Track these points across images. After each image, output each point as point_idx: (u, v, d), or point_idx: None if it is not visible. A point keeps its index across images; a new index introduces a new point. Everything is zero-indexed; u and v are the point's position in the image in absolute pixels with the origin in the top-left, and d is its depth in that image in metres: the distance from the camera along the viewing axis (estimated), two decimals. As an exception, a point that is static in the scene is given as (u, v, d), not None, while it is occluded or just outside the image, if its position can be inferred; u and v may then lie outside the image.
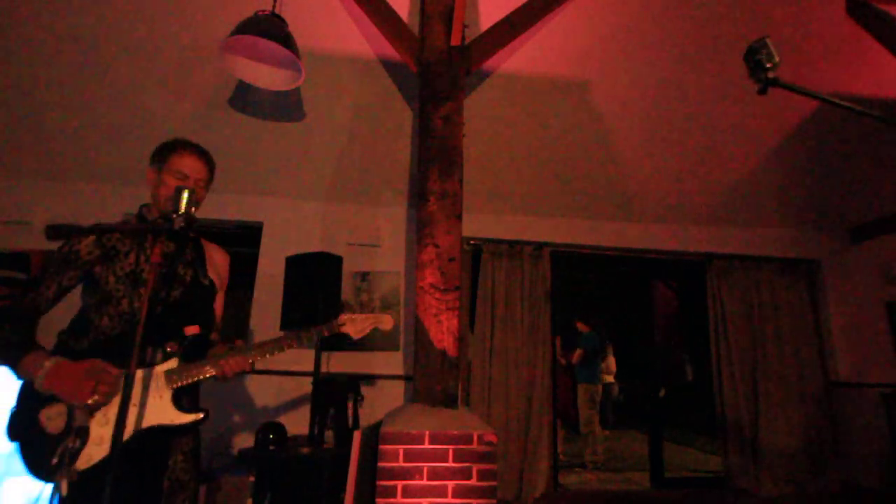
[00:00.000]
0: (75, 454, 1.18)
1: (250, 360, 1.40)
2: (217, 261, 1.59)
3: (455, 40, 2.63)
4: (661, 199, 3.98)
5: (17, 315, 1.30)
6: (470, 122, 3.22)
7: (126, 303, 1.32)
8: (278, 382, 3.36)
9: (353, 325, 1.54)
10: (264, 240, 3.75)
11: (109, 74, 3.09)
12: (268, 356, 1.44)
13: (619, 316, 6.29)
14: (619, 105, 3.43)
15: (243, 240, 3.86)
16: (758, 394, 3.83)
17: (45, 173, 3.55)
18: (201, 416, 1.34)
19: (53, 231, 0.98)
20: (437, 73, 2.60)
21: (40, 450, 1.20)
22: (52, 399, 1.23)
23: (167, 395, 1.30)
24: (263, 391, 3.36)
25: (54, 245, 1.34)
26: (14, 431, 1.23)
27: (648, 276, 4.43)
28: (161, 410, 1.28)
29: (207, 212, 3.53)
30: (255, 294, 3.59)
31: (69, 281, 1.36)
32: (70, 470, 1.14)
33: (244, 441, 3.05)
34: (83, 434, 1.20)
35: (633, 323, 5.26)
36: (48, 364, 1.21)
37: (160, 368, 1.31)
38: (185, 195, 1.26)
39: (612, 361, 6.71)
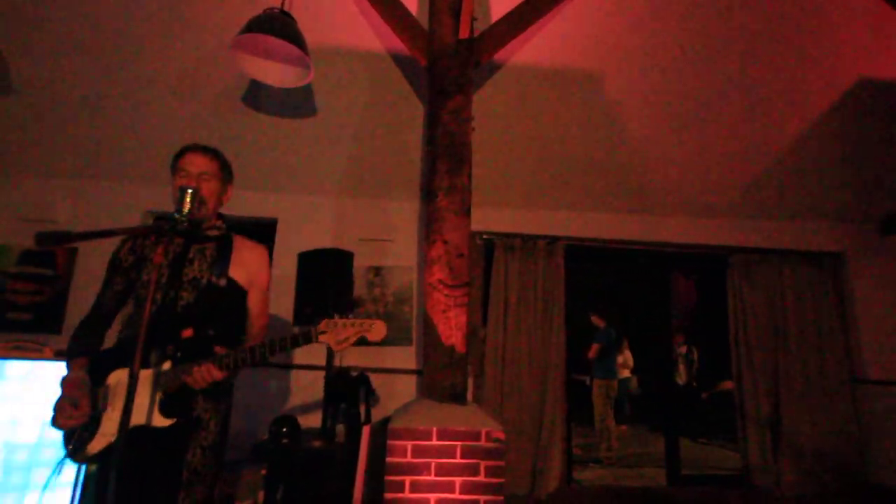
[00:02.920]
0: (85, 442, 1.31)
1: (221, 370, 1.35)
2: (247, 259, 1.56)
3: (463, 33, 2.60)
4: (679, 191, 3.89)
5: (88, 323, 1.48)
6: (481, 115, 3.18)
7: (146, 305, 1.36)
8: (293, 376, 3.42)
9: (334, 333, 1.38)
10: (279, 236, 3.79)
11: (127, 78, 3.16)
12: (242, 366, 1.38)
13: (636, 310, 6.19)
14: (634, 95, 3.35)
15: (259, 236, 3.91)
16: (779, 391, 3.72)
17: (68, 174, 3.66)
18: (174, 421, 1.33)
19: (42, 238, 1.00)
20: (445, 66, 2.57)
21: (68, 435, 1.36)
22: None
23: (156, 397, 1.33)
24: (278, 385, 3.42)
25: (79, 244, 1.42)
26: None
27: (666, 271, 4.34)
28: (146, 412, 1.31)
29: (223, 208, 3.61)
30: (271, 290, 3.64)
31: (119, 286, 1.48)
32: (81, 455, 1.29)
33: (260, 434, 3.11)
34: (93, 425, 1.33)
35: (651, 317, 5.17)
36: (68, 374, 1.38)
37: (154, 371, 1.35)
38: (188, 194, 1.27)
39: (628, 356, 6.64)
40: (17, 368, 2.34)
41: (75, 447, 1.32)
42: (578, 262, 4.01)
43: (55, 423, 1.31)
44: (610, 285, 6.33)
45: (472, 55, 2.64)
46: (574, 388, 5.29)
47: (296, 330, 1.43)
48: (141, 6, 2.87)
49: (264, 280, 1.60)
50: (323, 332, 1.39)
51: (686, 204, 3.96)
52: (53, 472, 1.26)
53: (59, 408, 1.31)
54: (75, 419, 1.30)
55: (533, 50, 3.11)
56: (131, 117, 3.36)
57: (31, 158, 3.59)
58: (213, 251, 1.50)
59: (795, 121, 3.46)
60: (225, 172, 1.56)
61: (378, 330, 1.42)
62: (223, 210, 1.64)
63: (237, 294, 1.52)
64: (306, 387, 3.38)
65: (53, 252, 3.54)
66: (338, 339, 1.38)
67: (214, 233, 1.53)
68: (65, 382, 1.35)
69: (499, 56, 3.02)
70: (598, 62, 3.18)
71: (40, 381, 2.33)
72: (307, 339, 1.39)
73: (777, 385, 3.74)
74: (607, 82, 3.28)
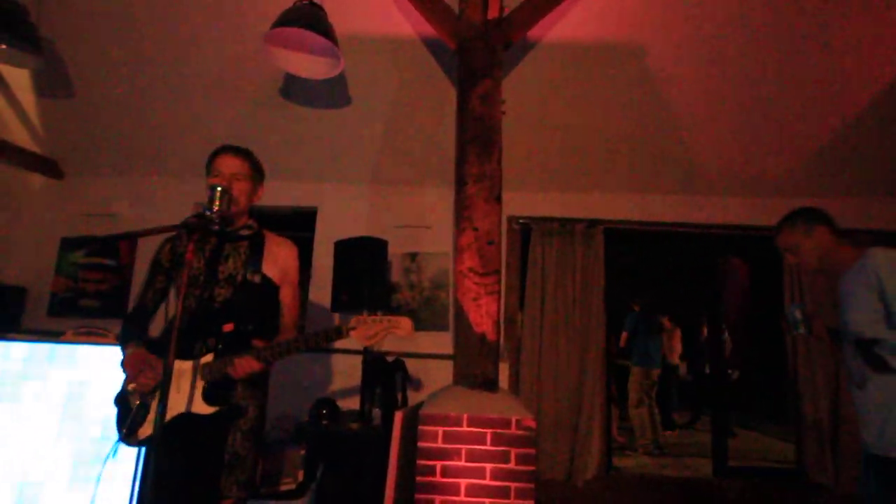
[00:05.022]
0: (137, 426, 1.44)
1: (260, 362, 1.46)
2: (278, 255, 1.64)
3: (492, 13, 2.52)
4: (728, 169, 3.64)
5: (133, 317, 1.62)
6: (515, 96, 3.10)
7: (186, 301, 1.46)
8: (333, 361, 3.55)
9: (365, 328, 1.46)
10: (319, 224, 3.90)
11: (174, 79, 3.32)
12: (278, 358, 1.48)
13: (684, 295, 5.92)
14: (679, 68, 3.14)
15: (301, 224, 4.04)
16: (840, 382, 3.47)
17: (126, 170, 3.92)
18: (217, 409, 1.44)
19: (69, 243, 1.08)
20: (473, 49, 2.52)
21: (122, 418, 1.50)
22: None
23: (201, 386, 1.44)
24: (319, 369, 3.56)
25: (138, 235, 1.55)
26: (117, 399, 1.55)
27: (714, 253, 4.11)
28: (192, 400, 1.42)
29: (265, 198, 3.75)
30: (312, 277, 3.78)
31: (160, 284, 1.60)
32: (133, 439, 1.43)
33: (301, 416, 3.26)
34: (144, 411, 1.46)
35: (699, 302, 4.94)
36: (128, 351, 1.51)
37: (198, 363, 1.46)
38: (218, 192, 1.33)
39: (677, 342, 6.39)
40: (87, 352, 2.56)
41: (128, 431, 1.44)
42: (620, 245, 3.87)
43: (135, 385, 1.46)
44: (655, 269, 6.09)
45: (501, 35, 2.57)
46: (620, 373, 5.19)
47: (329, 325, 1.54)
48: (181, 12, 2.98)
49: (294, 275, 1.68)
50: (353, 328, 1.47)
51: (736, 182, 3.71)
52: (108, 454, 1.36)
53: (134, 371, 1.45)
54: (154, 378, 1.44)
55: (567, 26, 2.98)
56: (179, 116, 3.53)
57: (93, 157, 3.86)
58: (246, 249, 1.58)
59: (860, 91, 3.13)
60: (256, 173, 1.64)
61: (405, 326, 1.47)
62: (260, 203, 1.73)
63: (271, 289, 1.61)
64: (346, 371, 3.49)
65: (117, 244, 3.82)
66: (367, 334, 1.46)
67: (247, 231, 1.61)
68: (130, 357, 1.50)
69: (532, 34, 2.92)
70: (638, 34, 3.00)
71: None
72: (339, 335, 1.48)
73: (838, 375, 3.48)
74: (649, 55, 3.10)
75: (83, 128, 3.66)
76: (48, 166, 3.87)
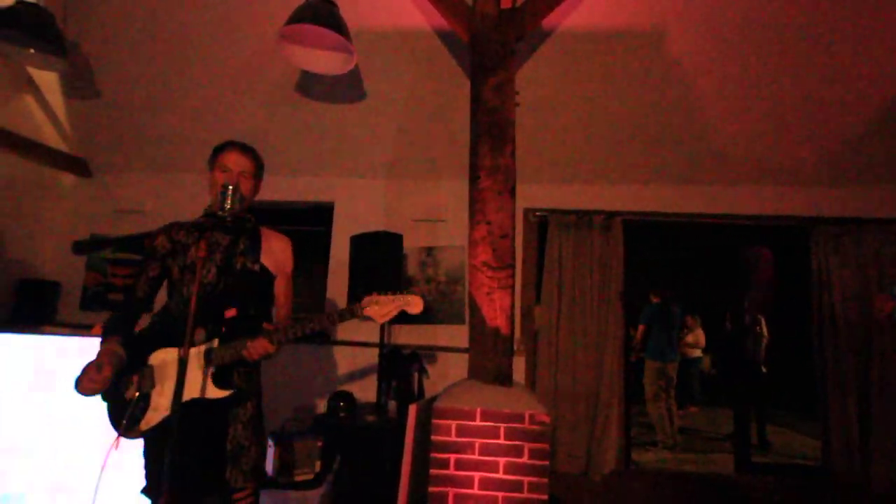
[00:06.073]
0: (138, 418, 1.44)
1: (273, 343, 1.46)
2: (274, 247, 1.67)
3: (505, 3, 2.49)
4: (753, 158, 3.53)
5: (124, 306, 1.60)
6: (531, 87, 3.06)
7: (185, 290, 1.51)
8: (351, 353, 3.60)
9: (379, 308, 1.50)
10: (335, 219, 3.94)
11: (193, 79, 3.39)
12: (291, 337, 1.48)
13: (707, 287, 5.78)
14: (699, 54, 3.05)
15: (318, 220, 4.10)
16: (870, 378, 3.34)
17: (151, 167, 4.03)
18: (230, 392, 1.46)
19: (78, 246, 1.12)
20: (487, 40, 2.48)
21: (118, 411, 1.46)
22: (129, 371, 1.49)
23: (207, 371, 1.45)
24: (338, 361, 3.62)
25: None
26: (106, 394, 1.48)
27: (738, 244, 3.99)
28: (201, 386, 1.44)
29: (284, 194, 3.79)
30: (329, 271, 3.83)
31: (154, 272, 1.60)
32: (135, 430, 1.42)
33: (320, 408, 3.33)
34: (144, 402, 1.46)
35: (721, 294, 4.80)
36: (102, 346, 1.46)
37: (202, 348, 1.47)
38: (230, 191, 1.36)
39: (700, 335, 6.27)
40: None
41: (128, 425, 1.42)
42: (639, 237, 3.80)
43: (78, 385, 1.39)
44: (676, 261, 5.96)
45: (515, 26, 2.52)
46: (635, 368, 5.10)
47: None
48: (198, 13, 3.04)
49: (289, 266, 1.71)
50: (366, 307, 1.51)
51: (760, 171, 3.59)
52: (108, 451, 1.34)
53: (84, 370, 1.39)
54: (97, 384, 1.38)
55: (584, 13, 2.91)
56: (199, 114, 3.61)
57: (119, 155, 3.99)
58: (245, 240, 1.61)
59: (888, 81, 2.98)
60: (259, 170, 1.67)
61: (415, 303, 1.52)
62: (278, 197, 1.78)
63: (268, 279, 1.64)
64: (363, 364, 3.54)
65: (142, 241, 3.94)
66: (381, 312, 1.50)
67: (248, 225, 1.65)
68: (98, 352, 1.45)
69: (546, 23, 2.87)
70: (657, 20, 2.92)
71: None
72: (352, 314, 1.52)
73: (868, 369, 3.36)
74: (668, 42, 3.01)
75: (109, 127, 3.78)
76: (77, 165, 4.00)
